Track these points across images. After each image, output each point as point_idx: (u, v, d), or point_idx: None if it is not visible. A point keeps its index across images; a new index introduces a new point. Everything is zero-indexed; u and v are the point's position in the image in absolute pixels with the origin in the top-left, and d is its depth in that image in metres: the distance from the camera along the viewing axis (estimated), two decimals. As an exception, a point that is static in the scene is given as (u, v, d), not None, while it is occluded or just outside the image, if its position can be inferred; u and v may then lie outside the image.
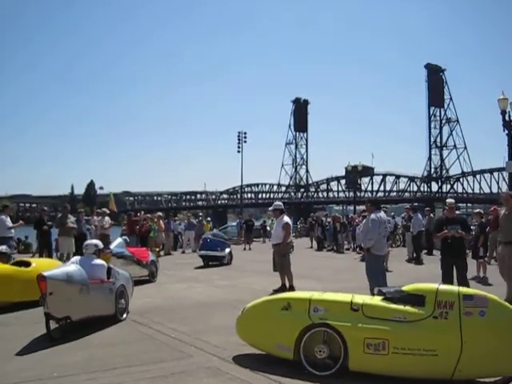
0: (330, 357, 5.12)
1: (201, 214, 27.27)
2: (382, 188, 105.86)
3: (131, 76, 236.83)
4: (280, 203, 11.61)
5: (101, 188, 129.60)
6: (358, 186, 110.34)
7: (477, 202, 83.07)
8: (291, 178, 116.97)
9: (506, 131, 21.34)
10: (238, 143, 57.14)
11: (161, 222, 20.72)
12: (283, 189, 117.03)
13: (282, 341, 5.34)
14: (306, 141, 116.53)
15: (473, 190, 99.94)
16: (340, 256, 20.81)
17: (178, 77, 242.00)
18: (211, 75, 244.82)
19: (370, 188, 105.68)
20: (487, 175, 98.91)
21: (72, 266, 6.98)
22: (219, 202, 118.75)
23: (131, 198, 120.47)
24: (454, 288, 5.34)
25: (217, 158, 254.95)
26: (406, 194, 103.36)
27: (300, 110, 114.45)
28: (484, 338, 4.82)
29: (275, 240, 10.91)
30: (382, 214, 9.09)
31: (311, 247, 25.83)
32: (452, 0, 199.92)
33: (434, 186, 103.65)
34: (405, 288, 5.30)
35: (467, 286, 7.79)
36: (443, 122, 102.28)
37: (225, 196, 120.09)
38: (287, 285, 10.63)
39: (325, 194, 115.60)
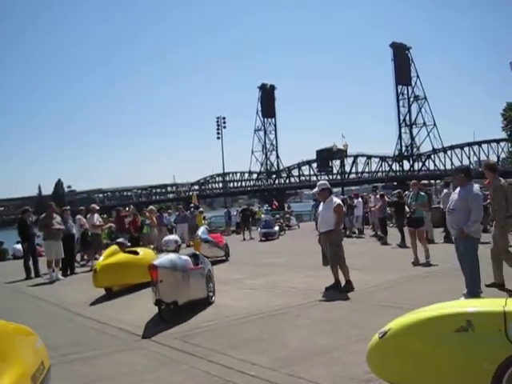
0: None
1: (170, 209, 27.02)
2: (353, 169, 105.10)
3: (101, 72, 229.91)
4: (325, 182, 9.50)
5: (69, 187, 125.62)
6: (330, 168, 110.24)
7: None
8: (262, 164, 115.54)
9: None
10: (218, 129, 54.87)
11: (153, 216, 18.47)
12: (254, 176, 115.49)
13: (463, 381, 3.35)
14: (275, 126, 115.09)
15: (445, 166, 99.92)
16: (353, 240, 18.80)
17: (150, 75, 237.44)
18: (177, 71, 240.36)
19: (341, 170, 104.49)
20: (458, 150, 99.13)
21: (172, 255, 7.53)
22: (190, 193, 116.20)
23: (101, 195, 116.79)
24: None
25: (185, 150, 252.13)
26: (379, 174, 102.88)
27: (267, 96, 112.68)
28: None
29: (325, 227, 8.78)
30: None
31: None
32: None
33: (406, 165, 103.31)
34: None
35: None
36: (411, 100, 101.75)
37: (196, 187, 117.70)
38: (344, 280, 8.65)
39: (297, 179, 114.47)
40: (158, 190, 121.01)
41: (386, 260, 12.48)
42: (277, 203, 63.61)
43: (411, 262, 11.13)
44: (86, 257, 15.47)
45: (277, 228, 24.04)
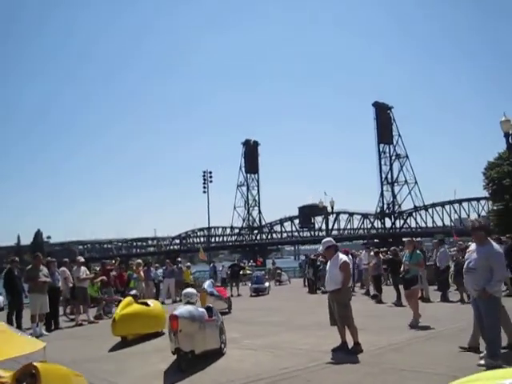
0: None
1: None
2: (336, 226, 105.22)
3: (81, 125, 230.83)
4: (330, 239, 9.18)
5: (48, 237, 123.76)
6: (312, 224, 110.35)
7: (430, 236, 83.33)
8: (244, 220, 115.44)
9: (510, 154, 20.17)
10: (204, 183, 54.82)
11: (140, 269, 17.93)
12: (236, 231, 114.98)
13: None
14: (258, 182, 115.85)
15: (426, 223, 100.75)
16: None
17: (132, 127, 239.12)
18: (158, 121, 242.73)
19: (323, 226, 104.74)
20: (439, 208, 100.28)
21: (190, 306, 7.95)
22: (171, 247, 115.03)
23: (81, 247, 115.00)
24: None
25: (166, 204, 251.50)
26: (360, 231, 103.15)
27: (250, 152, 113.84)
28: None
29: (332, 286, 8.43)
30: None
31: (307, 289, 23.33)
32: (396, 38, 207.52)
33: (388, 222, 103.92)
34: None
35: None
36: (393, 158, 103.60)
37: (177, 241, 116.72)
38: (351, 342, 8.23)
39: (279, 235, 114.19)
40: (139, 243, 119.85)
41: (385, 320, 12.08)
42: (261, 259, 63.26)
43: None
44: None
45: (267, 284, 24.19)
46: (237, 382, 6.56)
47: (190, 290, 8.83)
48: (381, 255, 17.91)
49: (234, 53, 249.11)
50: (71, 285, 14.62)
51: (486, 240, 6.69)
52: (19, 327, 12.59)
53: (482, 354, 6.53)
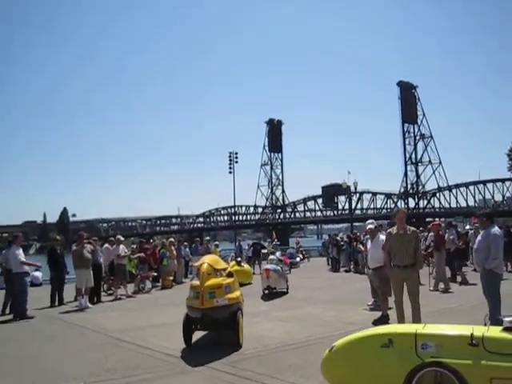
0: None
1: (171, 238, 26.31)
2: (359, 206, 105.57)
3: (103, 101, 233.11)
4: (372, 221, 10.47)
5: (73, 215, 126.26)
6: (335, 204, 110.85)
7: (454, 216, 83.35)
8: (267, 199, 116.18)
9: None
10: (230, 163, 55.88)
11: (172, 248, 18.99)
12: (260, 210, 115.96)
13: None
14: (281, 161, 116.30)
15: (450, 204, 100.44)
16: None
17: (148, 104, 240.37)
18: (182, 101, 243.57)
19: (346, 206, 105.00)
20: (463, 189, 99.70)
21: (273, 265, 14.73)
22: (195, 225, 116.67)
23: (105, 225, 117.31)
24: None
25: (190, 182, 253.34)
26: (384, 211, 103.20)
27: (274, 131, 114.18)
28: None
29: (375, 263, 9.64)
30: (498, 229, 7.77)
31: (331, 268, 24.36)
32: (422, 21, 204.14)
33: (411, 202, 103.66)
34: None
35: None
36: (417, 138, 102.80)
37: (200, 219, 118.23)
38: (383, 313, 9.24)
39: (302, 214, 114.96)
40: (163, 221, 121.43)
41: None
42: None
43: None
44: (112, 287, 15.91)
45: (298, 259, 28.87)
46: (270, 347, 7.57)
47: (272, 256, 16.24)
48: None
49: (260, 34, 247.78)
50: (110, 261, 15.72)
51: (488, 224, 7.67)
52: (60, 300, 13.79)
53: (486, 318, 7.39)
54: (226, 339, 7.79)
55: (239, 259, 17.14)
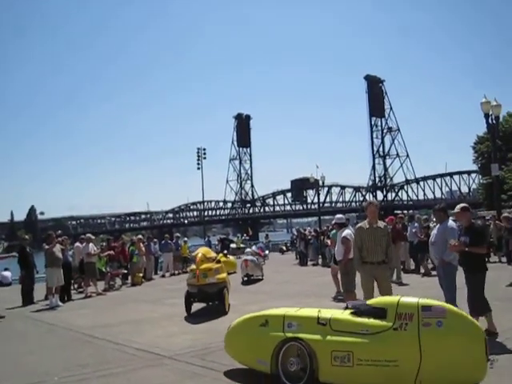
0: (303, 369, 5.25)
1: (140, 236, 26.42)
2: (328, 199, 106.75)
3: (80, 101, 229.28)
4: (341, 216, 10.71)
5: (41, 213, 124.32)
6: (304, 198, 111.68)
7: (421, 208, 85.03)
8: (237, 193, 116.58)
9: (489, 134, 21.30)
10: (198, 159, 55.98)
11: (141, 245, 19.16)
12: (229, 205, 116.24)
13: (262, 356, 5.56)
14: (250, 156, 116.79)
15: (417, 196, 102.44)
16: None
17: (116, 102, 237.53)
18: (151, 98, 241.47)
19: (315, 200, 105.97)
20: (430, 181, 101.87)
21: (251, 256, 17.85)
22: (164, 221, 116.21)
23: (74, 222, 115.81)
24: (414, 300, 5.18)
25: (159, 178, 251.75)
26: (353, 205, 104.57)
27: (242, 126, 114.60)
28: (442, 349, 4.80)
29: (337, 256, 10.09)
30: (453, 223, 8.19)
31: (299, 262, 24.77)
32: (391, 15, 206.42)
33: (380, 195, 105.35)
34: (369, 301, 5.50)
35: None
36: (385, 131, 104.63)
37: (170, 215, 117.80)
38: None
39: (271, 208, 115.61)
40: (132, 218, 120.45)
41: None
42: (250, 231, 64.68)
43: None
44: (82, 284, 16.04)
45: (267, 252, 29.25)
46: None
47: (249, 249, 21.02)
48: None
49: (227, 29, 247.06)
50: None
51: (444, 218, 8.02)
52: (32, 299, 13.87)
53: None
54: (215, 310, 10.32)
55: (225, 252, 18.28)
